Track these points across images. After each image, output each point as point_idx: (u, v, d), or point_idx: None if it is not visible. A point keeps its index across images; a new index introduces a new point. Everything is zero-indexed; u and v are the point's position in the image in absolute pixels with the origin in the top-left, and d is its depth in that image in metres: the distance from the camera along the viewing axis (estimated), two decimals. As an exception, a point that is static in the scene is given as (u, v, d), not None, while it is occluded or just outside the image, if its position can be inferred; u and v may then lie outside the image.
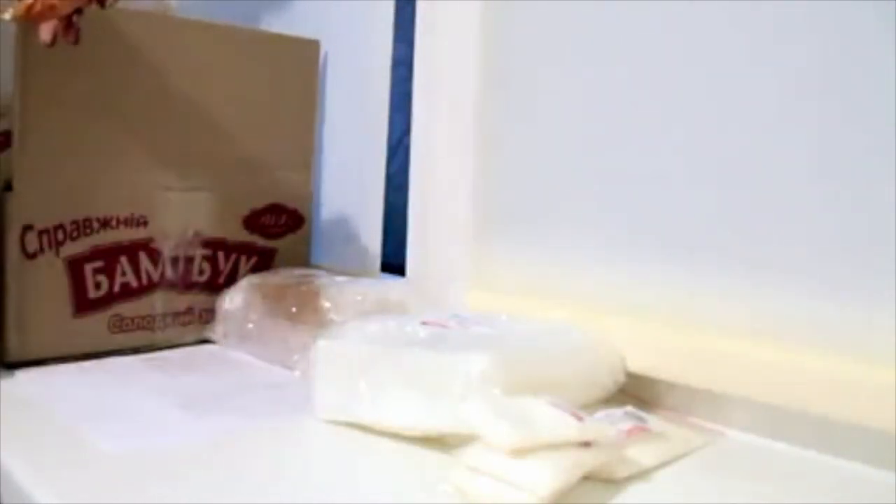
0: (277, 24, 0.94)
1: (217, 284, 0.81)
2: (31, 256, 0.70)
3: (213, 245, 0.81)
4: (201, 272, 0.81)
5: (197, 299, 0.81)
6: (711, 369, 0.62)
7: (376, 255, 0.96)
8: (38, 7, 0.53)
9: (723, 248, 0.66)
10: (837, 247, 0.59)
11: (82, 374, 0.69)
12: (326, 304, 0.70)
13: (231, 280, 0.82)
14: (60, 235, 0.71)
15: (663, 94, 0.69)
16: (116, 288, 0.75)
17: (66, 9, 0.54)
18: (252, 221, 0.84)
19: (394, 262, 0.94)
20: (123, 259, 0.75)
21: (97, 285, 0.74)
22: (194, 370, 0.71)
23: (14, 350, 0.70)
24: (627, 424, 0.53)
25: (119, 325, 0.76)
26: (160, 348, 0.78)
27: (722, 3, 0.65)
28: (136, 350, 0.76)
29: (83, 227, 0.72)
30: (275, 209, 0.86)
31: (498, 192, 0.83)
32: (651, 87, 0.70)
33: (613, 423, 0.52)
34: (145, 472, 0.49)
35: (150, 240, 0.77)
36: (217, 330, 0.79)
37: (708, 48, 0.66)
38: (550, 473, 0.43)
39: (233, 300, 0.78)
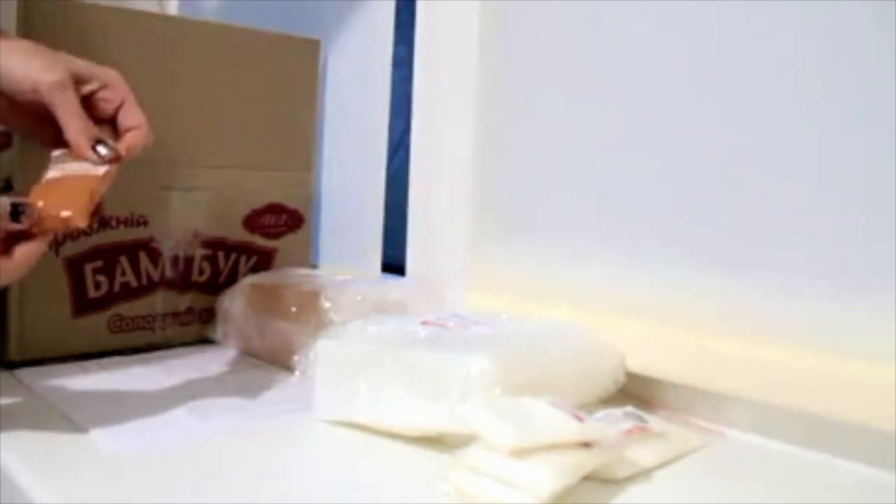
0: (277, 24, 0.93)
1: (217, 284, 0.81)
2: (31, 256, 0.70)
3: (213, 245, 0.81)
4: (201, 272, 0.81)
5: (197, 299, 0.80)
6: (711, 369, 0.62)
7: (376, 255, 0.96)
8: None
9: (723, 248, 0.66)
10: (837, 247, 0.59)
11: (82, 374, 0.68)
12: (326, 304, 0.70)
13: (231, 280, 0.82)
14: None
15: (663, 96, 0.69)
16: (116, 288, 0.75)
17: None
18: (252, 221, 0.84)
19: (394, 262, 0.94)
20: (123, 259, 0.75)
21: (97, 285, 0.74)
22: (194, 370, 0.71)
23: (14, 350, 0.70)
24: (627, 424, 0.52)
25: (119, 325, 0.76)
26: (160, 348, 0.78)
27: (720, 5, 0.65)
28: (136, 350, 0.76)
29: (83, 226, 0.72)
30: (275, 209, 0.86)
31: (498, 192, 0.83)
32: (651, 88, 0.70)
33: (613, 423, 0.52)
34: (145, 472, 0.49)
35: (150, 239, 0.77)
36: (217, 330, 0.79)
37: (707, 50, 0.66)
38: (550, 474, 0.43)
39: (233, 300, 0.78)
